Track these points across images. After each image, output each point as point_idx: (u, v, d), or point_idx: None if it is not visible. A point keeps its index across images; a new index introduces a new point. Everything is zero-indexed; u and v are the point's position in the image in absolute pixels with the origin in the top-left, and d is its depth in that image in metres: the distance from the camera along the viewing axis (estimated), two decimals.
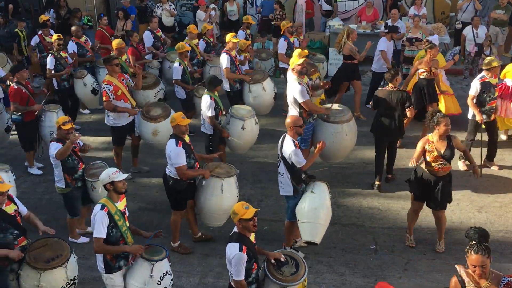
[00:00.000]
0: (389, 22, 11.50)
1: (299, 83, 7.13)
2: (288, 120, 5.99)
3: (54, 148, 6.07)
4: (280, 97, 9.78)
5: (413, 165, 5.99)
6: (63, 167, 6.13)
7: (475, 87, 7.80)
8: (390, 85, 7.50)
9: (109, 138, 8.33)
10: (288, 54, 9.77)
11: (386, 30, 11.05)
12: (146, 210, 7.41)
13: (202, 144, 7.77)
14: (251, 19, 11.32)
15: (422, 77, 8.59)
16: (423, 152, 6.06)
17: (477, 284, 3.88)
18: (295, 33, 10.33)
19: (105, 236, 4.69)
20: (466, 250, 3.89)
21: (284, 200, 7.42)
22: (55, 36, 9.33)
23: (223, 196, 6.09)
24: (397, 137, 7.94)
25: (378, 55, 10.10)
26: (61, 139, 6.14)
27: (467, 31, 11.49)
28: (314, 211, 5.76)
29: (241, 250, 4.40)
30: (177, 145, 5.92)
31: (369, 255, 6.38)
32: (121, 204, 4.92)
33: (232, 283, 4.52)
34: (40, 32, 10.65)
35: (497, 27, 12.33)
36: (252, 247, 4.58)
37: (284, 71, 10.05)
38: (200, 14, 12.95)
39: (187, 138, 6.12)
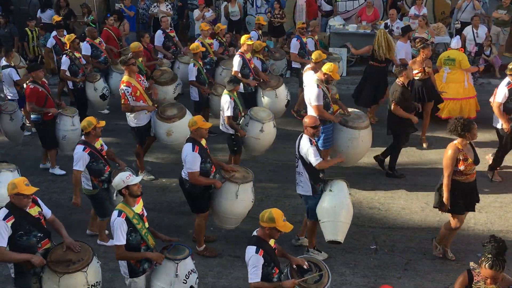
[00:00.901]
0: (388, 22, 11.52)
1: (318, 86, 7.13)
2: (305, 120, 5.97)
3: (76, 153, 5.93)
4: (293, 97, 9.73)
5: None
6: (89, 170, 5.99)
7: (502, 93, 7.34)
8: (399, 78, 7.50)
9: (117, 140, 8.29)
10: (301, 54, 9.76)
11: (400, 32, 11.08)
12: (146, 209, 7.34)
13: (223, 144, 7.77)
14: (262, 19, 11.20)
15: (416, 78, 8.48)
16: (456, 162, 5.66)
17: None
18: (310, 33, 10.29)
19: (124, 243, 4.62)
20: (480, 260, 3.86)
21: (284, 201, 7.49)
22: (68, 36, 9.32)
23: (237, 201, 6.02)
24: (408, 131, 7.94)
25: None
26: (87, 141, 6.00)
27: (467, 31, 11.49)
28: (334, 209, 5.74)
29: (257, 252, 4.41)
30: (193, 150, 5.82)
31: (369, 255, 6.38)
32: (138, 207, 4.85)
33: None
34: (55, 33, 10.58)
35: (498, 27, 12.32)
36: (271, 252, 4.56)
37: (297, 71, 10.01)
38: (196, 13, 12.96)
39: (203, 142, 6.03)
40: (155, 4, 13.32)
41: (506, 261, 3.85)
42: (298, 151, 5.92)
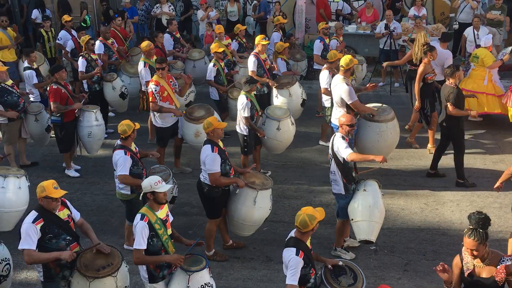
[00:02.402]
0: (383, 22, 11.53)
1: (347, 84, 7.12)
2: (342, 118, 5.96)
3: (119, 158, 5.85)
4: (314, 98, 9.68)
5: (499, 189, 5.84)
6: (131, 174, 5.88)
7: None
8: (450, 80, 7.42)
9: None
10: (324, 56, 9.70)
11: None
12: None
13: (237, 148, 7.79)
14: (282, 18, 11.10)
15: (431, 81, 8.36)
16: None
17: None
18: (334, 35, 10.27)
19: (145, 248, 4.55)
20: (464, 231, 4.02)
21: (283, 202, 7.49)
22: (83, 38, 9.29)
23: (255, 208, 5.92)
24: None
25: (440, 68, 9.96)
26: (125, 145, 5.94)
27: (468, 32, 11.49)
28: (368, 209, 5.70)
29: (297, 254, 4.38)
30: (212, 150, 5.77)
31: (369, 255, 6.37)
32: (162, 212, 4.76)
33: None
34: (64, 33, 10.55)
35: (493, 27, 12.33)
36: (309, 253, 4.55)
37: (319, 72, 9.93)
38: (200, 14, 12.97)
39: (221, 144, 5.99)
40: (157, 5, 13.33)
41: (488, 235, 3.95)
42: (332, 150, 5.92)
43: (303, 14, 13.39)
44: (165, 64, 7.70)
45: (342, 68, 7.21)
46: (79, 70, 9.09)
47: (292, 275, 4.34)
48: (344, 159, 5.76)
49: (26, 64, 8.84)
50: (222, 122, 5.98)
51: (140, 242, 4.54)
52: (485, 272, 4.03)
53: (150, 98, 7.51)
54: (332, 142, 5.93)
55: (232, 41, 10.38)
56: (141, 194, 4.79)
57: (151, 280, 4.75)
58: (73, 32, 10.70)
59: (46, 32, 11.20)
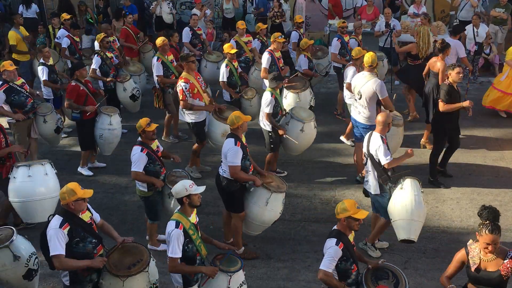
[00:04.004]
0: (383, 20, 11.52)
1: (379, 78, 7.15)
2: (379, 117, 5.92)
3: (135, 154, 5.86)
4: (334, 96, 9.57)
5: None
6: (146, 172, 5.89)
7: None
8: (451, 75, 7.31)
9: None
10: (342, 54, 9.67)
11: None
12: None
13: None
14: (299, 17, 11.01)
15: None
16: None
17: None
18: (353, 33, 10.22)
19: (180, 256, 4.53)
20: (479, 228, 4.04)
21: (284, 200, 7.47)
22: (98, 36, 9.20)
23: (266, 209, 5.94)
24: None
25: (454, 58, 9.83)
26: (145, 142, 5.95)
27: (468, 30, 11.47)
28: (405, 207, 5.62)
29: (337, 244, 4.40)
30: (235, 144, 5.80)
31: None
32: (194, 216, 4.75)
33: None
34: (65, 32, 10.48)
35: (496, 25, 12.32)
36: (350, 247, 4.55)
37: (338, 70, 9.88)
38: (195, 12, 12.95)
39: (243, 139, 6.02)
40: (155, 2, 13.31)
41: (500, 228, 4.04)
42: (368, 149, 5.90)
43: (303, 12, 13.37)
44: (194, 57, 7.60)
45: (367, 66, 7.19)
46: (92, 67, 9.05)
47: (328, 262, 4.37)
48: (378, 158, 5.79)
49: (41, 60, 8.85)
50: (247, 116, 6.04)
51: (176, 250, 4.51)
52: (491, 265, 4.08)
53: (181, 97, 7.45)
54: (369, 141, 5.89)
55: (254, 40, 10.26)
56: (173, 200, 4.77)
57: (186, 285, 4.73)
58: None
59: (54, 29, 11.17)
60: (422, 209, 5.72)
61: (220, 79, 8.66)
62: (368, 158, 5.92)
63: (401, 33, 11.50)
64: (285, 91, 8.67)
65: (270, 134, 7.51)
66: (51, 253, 4.38)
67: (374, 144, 5.81)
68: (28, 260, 4.97)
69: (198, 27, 10.75)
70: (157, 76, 8.63)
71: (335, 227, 4.60)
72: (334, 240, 4.44)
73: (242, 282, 4.76)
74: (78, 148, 8.34)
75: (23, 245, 5.02)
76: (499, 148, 8.84)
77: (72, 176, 8.09)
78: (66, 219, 4.48)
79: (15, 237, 4.95)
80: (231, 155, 5.79)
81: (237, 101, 8.71)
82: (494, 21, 12.35)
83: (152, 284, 4.68)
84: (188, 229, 4.59)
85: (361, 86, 7.21)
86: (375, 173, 5.88)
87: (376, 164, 5.84)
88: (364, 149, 6.01)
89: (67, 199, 4.48)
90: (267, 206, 5.92)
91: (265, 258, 6.28)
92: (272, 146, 7.60)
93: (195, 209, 4.80)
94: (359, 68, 7.86)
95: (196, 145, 7.91)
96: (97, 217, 4.89)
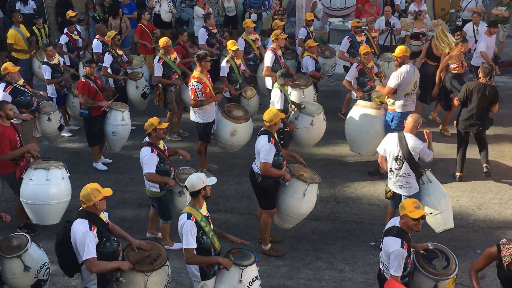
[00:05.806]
0: (383, 18, 11.49)
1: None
2: (409, 118, 5.93)
3: (145, 155, 5.83)
4: (333, 94, 9.49)
5: None
6: (157, 172, 5.87)
7: None
8: (483, 78, 7.40)
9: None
10: (351, 53, 9.68)
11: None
12: (146, 206, 7.39)
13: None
14: (309, 15, 10.95)
15: (455, 71, 8.47)
16: None
17: None
18: (366, 30, 10.20)
19: (195, 246, 4.55)
20: None
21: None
22: (109, 33, 9.19)
23: (303, 201, 5.97)
24: (485, 127, 7.82)
25: (478, 52, 9.70)
26: (153, 143, 5.92)
27: (468, 28, 11.47)
28: (439, 200, 5.85)
29: (402, 246, 4.39)
30: (269, 141, 5.83)
31: (369, 252, 6.38)
32: (204, 209, 4.77)
33: (386, 276, 4.49)
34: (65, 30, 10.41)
35: (498, 23, 12.30)
36: (410, 243, 4.56)
37: (346, 70, 9.74)
38: (198, 10, 12.93)
39: (275, 135, 6.04)
40: (156, 0, 13.27)
41: None
42: (404, 151, 5.84)
43: (303, 10, 13.33)
44: (209, 57, 7.59)
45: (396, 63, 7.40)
46: (103, 65, 9.02)
47: (397, 267, 4.39)
48: (422, 157, 5.87)
49: (45, 59, 8.85)
50: (283, 113, 6.12)
51: (190, 241, 4.53)
52: None
53: (192, 96, 7.43)
54: (402, 144, 5.86)
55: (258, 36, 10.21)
56: (184, 198, 4.88)
57: (204, 277, 4.74)
58: (78, 27, 10.63)
59: (38, 29, 11.12)
60: (446, 197, 5.96)
61: (221, 75, 8.70)
62: (404, 161, 5.88)
63: (400, 31, 11.48)
64: (289, 89, 8.66)
65: (280, 130, 7.47)
66: (84, 257, 4.37)
67: (415, 145, 5.80)
68: (39, 271, 4.97)
69: (213, 26, 10.68)
70: (156, 76, 8.65)
71: (396, 223, 4.58)
72: (399, 241, 4.40)
73: (255, 277, 4.76)
74: (77, 146, 8.35)
75: (35, 255, 5.00)
76: (499, 146, 8.84)
77: (72, 175, 8.08)
78: (92, 221, 4.47)
79: (29, 246, 4.94)
80: (264, 151, 5.83)
81: (236, 99, 8.73)
82: (496, 19, 12.33)
83: (170, 278, 4.84)
84: (200, 221, 4.61)
85: (403, 78, 7.35)
86: (414, 174, 5.90)
87: (415, 165, 5.86)
88: (396, 153, 5.92)
89: (93, 199, 4.47)
90: (304, 198, 5.97)
91: (265, 256, 6.28)
92: (281, 142, 7.61)
93: (205, 203, 4.82)
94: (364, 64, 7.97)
95: (200, 143, 7.91)
96: (107, 217, 4.86)
